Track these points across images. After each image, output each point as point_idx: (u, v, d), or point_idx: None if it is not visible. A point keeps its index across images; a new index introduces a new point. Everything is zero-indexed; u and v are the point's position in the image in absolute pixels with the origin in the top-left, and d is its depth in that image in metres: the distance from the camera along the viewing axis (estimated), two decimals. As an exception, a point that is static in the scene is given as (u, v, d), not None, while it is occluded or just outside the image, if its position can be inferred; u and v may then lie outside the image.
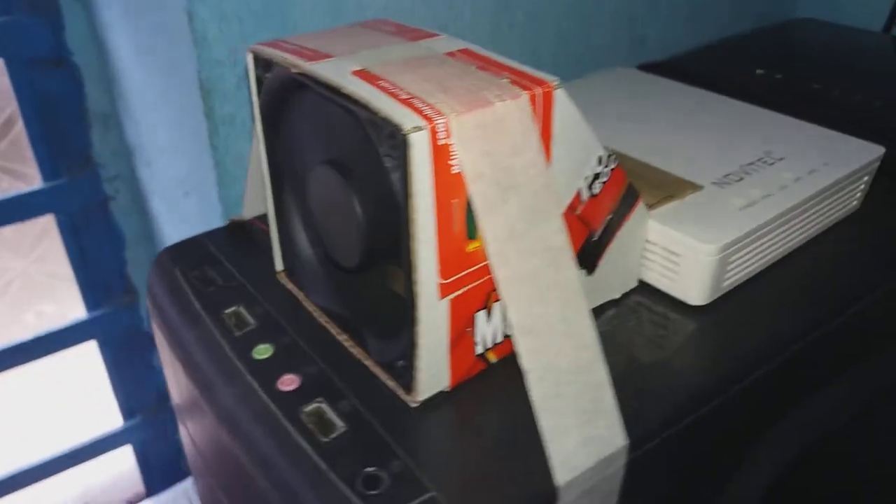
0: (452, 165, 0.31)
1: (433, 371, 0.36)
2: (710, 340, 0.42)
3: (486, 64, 0.36)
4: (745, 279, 0.45)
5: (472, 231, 0.34)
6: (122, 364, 0.93)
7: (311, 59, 0.36)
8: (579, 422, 0.34)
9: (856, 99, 0.60)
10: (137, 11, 0.62)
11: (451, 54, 0.37)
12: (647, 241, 0.44)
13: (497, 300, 0.37)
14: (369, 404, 0.37)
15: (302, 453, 0.35)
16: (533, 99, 0.33)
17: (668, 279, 0.44)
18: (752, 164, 0.49)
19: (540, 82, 0.34)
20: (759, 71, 0.65)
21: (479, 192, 0.31)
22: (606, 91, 0.62)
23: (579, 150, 0.36)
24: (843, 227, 0.51)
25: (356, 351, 0.41)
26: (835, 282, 0.47)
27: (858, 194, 0.51)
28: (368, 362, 0.40)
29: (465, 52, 0.37)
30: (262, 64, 0.39)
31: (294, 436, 0.36)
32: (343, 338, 0.42)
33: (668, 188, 0.46)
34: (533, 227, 0.33)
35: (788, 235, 0.46)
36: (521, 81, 0.34)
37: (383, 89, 0.32)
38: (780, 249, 0.47)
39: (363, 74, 0.34)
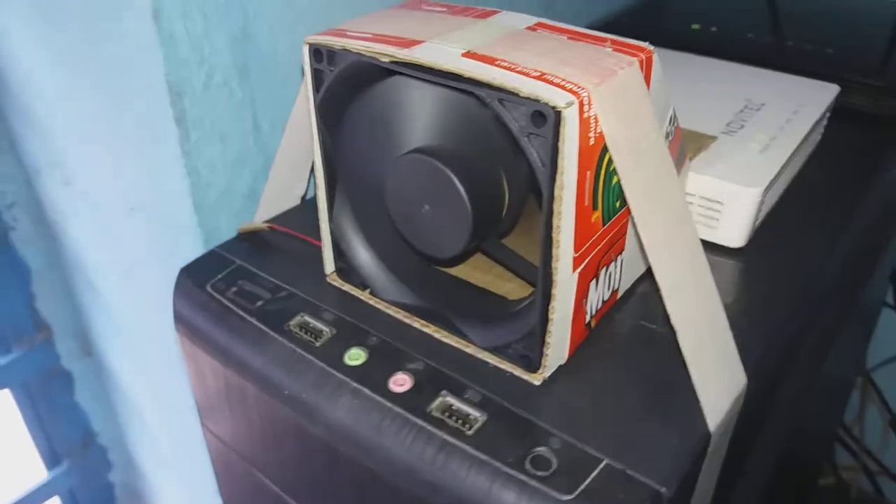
0: (590, 138, 0.32)
1: (559, 346, 0.37)
2: (761, 277, 0.45)
3: (573, 35, 0.36)
4: (764, 215, 0.49)
5: (595, 202, 0.34)
6: (42, 408, 0.84)
7: (402, 45, 0.34)
8: (717, 368, 0.36)
9: (789, 45, 0.67)
10: (66, 19, 0.56)
11: (531, 28, 0.37)
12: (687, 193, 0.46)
13: (605, 266, 0.38)
14: (494, 390, 0.37)
15: (456, 449, 0.34)
16: (641, 64, 0.34)
17: (707, 227, 0.47)
18: (742, 112, 0.53)
19: (639, 48, 0.35)
20: (694, 26, 0.69)
21: (620, 161, 0.32)
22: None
23: (663, 109, 0.38)
24: (814, 159, 0.57)
25: (451, 340, 0.40)
26: (838, 204, 0.52)
27: (822, 130, 0.57)
28: (470, 349, 0.39)
29: (541, 24, 0.37)
30: (325, 56, 0.37)
31: (437, 434, 0.35)
32: (431, 329, 0.41)
33: (691, 141, 0.48)
34: (663, 189, 0.34)
35: (793, 171, 0.51)
36: (623, 49, 0.34)
37: (509, 69, 0.32)
38: (786, 184, 0.51)
39: (475, 56, 0.33)
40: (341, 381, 0.38)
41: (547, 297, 0.35)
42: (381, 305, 0.43)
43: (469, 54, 0.33)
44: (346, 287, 0.44)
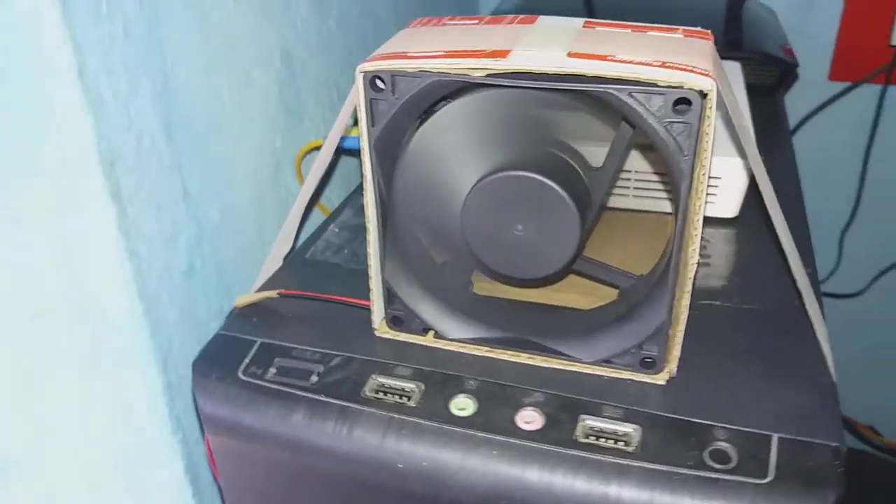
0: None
1: (680, 341, 0.36)
2: (757, 240, 0.48)
3: (634, 28, 0.36)
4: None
5: (700, 185, 0.34)
6: None
7: (488, 57, 0.32)
8: (821, 322, 0.37)
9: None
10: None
11: (588, 27, 0.36)
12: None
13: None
14: (627, 401, 0.35)
15: (629, 469, 0.32)
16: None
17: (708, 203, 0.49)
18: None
19: (702, 33, 0.35)
20: None
21: (742, 133, 0.32)
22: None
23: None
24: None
25: (553, 363, 0.38)
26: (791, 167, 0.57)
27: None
28: (576, 367, 0.37)
29: (589, 22, 0.36)
30: (389, 84, 0.33)
31: (602, 459, 0.33)
32: (524, 357, 0.38)
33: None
34: (758, 157, 0.35)
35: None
36: (693, 34, 0.35)
37: (628, 62, 0.31)
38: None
39: (582, 55, 0.31)
40: (465, 435, 0.34)
41: (674, 293, 0.34)
42: (452, 346, 0.39)
43: (574, 54, 0.31)
44: (403, 336, 0.40)
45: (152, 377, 0.51)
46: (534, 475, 0.33)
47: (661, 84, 0.30)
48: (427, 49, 0.33)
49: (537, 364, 0.38)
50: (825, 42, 0.95)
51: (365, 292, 0.43)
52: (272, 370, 0.38)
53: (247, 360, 0.39)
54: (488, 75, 0.31)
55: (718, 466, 0.32)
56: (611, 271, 0.38)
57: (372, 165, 0.35)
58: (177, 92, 0.49)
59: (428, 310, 0.39)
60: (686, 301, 0.34)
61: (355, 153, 0.73)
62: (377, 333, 0.40)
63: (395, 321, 0.40)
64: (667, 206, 0.48)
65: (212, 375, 0.38)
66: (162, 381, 0.51)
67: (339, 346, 0.39)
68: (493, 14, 0.84)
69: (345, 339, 0.40)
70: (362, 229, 0.51)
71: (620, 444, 0.33)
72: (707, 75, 0.30)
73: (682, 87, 0.29)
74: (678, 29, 0.35)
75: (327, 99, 0.70)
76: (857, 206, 1.01)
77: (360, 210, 0.53)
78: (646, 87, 0.30)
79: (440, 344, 0.39)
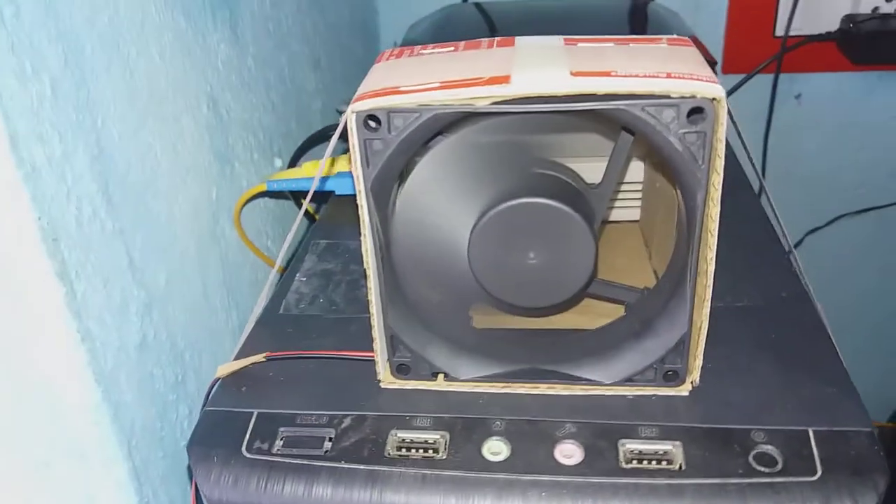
0: (716, 127, 0.31)
1: (702, 350, 0.36)
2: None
3: (617, 41, 0.35)
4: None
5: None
6: None
7: (486, 84, 0.30)
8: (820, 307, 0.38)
9: None
10: None
11: (570, 43, 0.35)
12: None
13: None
14: (658, 418, 0.35)
15: (680, 487, 0.31)
16: (695, 53, 0.35)
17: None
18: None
19: (682, 40, 0.35)
20: None
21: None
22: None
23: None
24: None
25: (573, 391, 0.36)
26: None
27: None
28: (598, 390, 0.36)
29: (568, 39, 0.36)
30: (385, 122, 0.31)
31: (652, 482, 0.32)
32: (543, 388, 0.37)
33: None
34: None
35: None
36: (674, 42, 0.35)
37: (636, 76, 0.30)
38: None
39: (586, 73, 0.31)
40: (508, 481, 0.32)
41: (697, 305, 0.34)
42: (465, 387, 0.37)
43: (578, 73, 0.31)
44: (411, 384, 0.38)
45: (116, 465, 0.47)
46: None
47: (674, 95, 0.29)
48: (419, 82, 0.31)
49: (558, 393, 0.37)
50: (716, 38, 1.00)
51: (355, 342, 0.40)
52: (279, 442, 0.35)
53: (248, 436, 0.36)
54: (494, 103, 0.30)
55: (767, 470, 0.32)
56: (617, 288, 0.37)
57: (369, 209, 0.33)
58: (111, 151, 0.45)
59: (435, 352, 0.37)
60: (706, 309, 0.34)
61: (285, 195, 0.70)
62: (383, 385, 0.38)
63: (401, 369, 0.37)
64: (630, 215, 0.48)
65: (213, 458, 0.35)
66: (127, 467, 0.47)
67: (346, 405, 0.37)
68: (403, 43, 0.83)
69: (349, 396, 0.37)
70: (333, 275, 0.49)
71: (665, 464, 0.33)
72: (714, 82, 0.30)
73: (694, 97, 0.29)
74: (661, 39, 0.35)
75: (254, 140, 0.66)
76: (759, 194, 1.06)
77: (323, 255, 0.51)
78: (658, 99, 0.29)
79: (453, 386, 0.37)
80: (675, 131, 0.30)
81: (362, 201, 0.33)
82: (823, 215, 1.07)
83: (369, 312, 0.36)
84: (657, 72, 0.30)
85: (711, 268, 0.33)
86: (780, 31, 0.97)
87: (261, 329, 0.43)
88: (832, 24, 0.94)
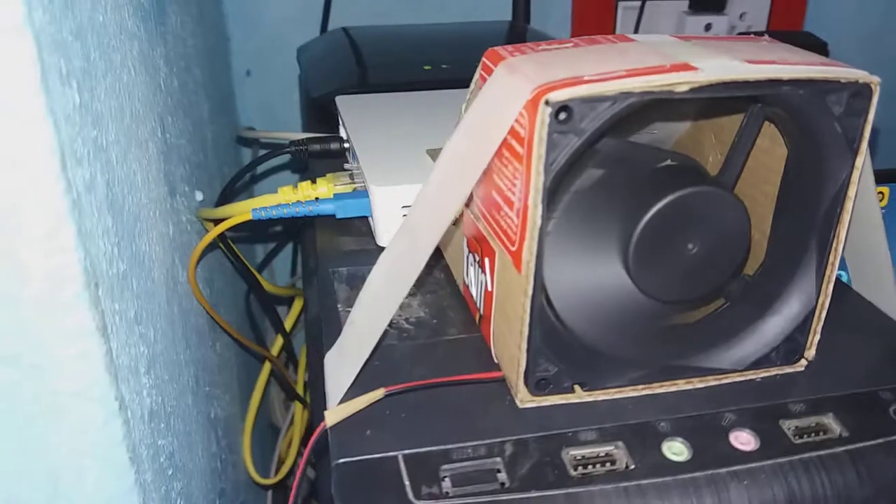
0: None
1: (821, 326, 0.38)
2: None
3: (727, 39, 0.37)
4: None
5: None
6: None
7: (669, 72, 0.30)
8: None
9: None
10: None
11: (685, 38, 0.36)
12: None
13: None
14: (796, 394, 0.36)
15: (862, 451, 0.33)
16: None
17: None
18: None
19: (772, 40, 0.38)
20: (426, 67, 0.70)
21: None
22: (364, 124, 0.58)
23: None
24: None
25: (708, 382, 0.37)
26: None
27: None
28: (729, 379, 0.37)
29: (682, 37, 0.36)
30: (575, 115, 0.29)
31: (835, 452, 0.33)
32: (681, 384, 0.36)
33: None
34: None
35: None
36: (771, 41, 0.37)
37: (802, 63, 0.32)
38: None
39: (755, 62, 0.31)
40: (708, 477, 0.32)
41: (826, 280, 0.36)
42: (606, 395, 0.36)
43: (750, 61, 0.31)
44: (550, 400, 0.35)
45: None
46: (798, 485, 0.32)
47: (842, 80, 0.31)
48: (598, 72, 0.30)
49: (695, 387, 0.37)
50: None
51: (452, 366, 0.37)
52: (446, 482, 0.31)
53: (407, 482, 0.31)
54: (692, 89, 0.30)
55: (917, 423, 0.34)
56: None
57: (542, 212, 0.31)
58: (113, 177, 0.38)
59: (576, 364, 0.35)
60: (831, 286, 0.36)
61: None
62: (522, 404, 0.35)
63: (540, 385, 0.35)
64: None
65: (380, 513, 0.30)
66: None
67: (492, 432, 0.33)
68: (303, 69, 0.79)
69: (489, 422, 0.34)
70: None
71: (828, 434, 0.34)
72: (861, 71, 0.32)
73: (856, 82, 0.31)
74: (753, 36, 0.37)
75: (184, 170, 0.58)
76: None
77: (353, 283, 0.46)
78: (831, 84, 0.31)
79: (594, 396, 0.36)
80: (836, 114, 0.32)
81: (535, 203, 0.30)
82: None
83: (511, 329, 0.33)
84: (809, 60, 0.32)
85: (841, 245, 0.35)
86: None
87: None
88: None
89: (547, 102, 0.29)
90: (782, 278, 0.37)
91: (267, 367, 0.75)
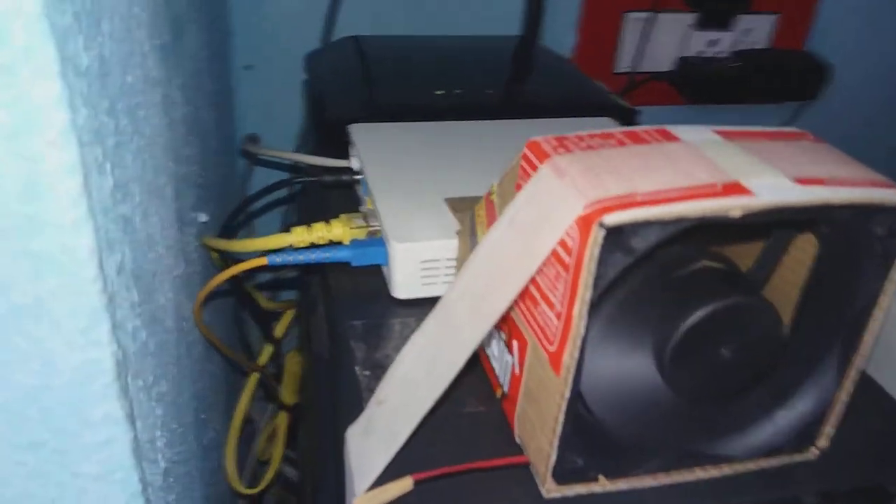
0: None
1: (839, 418, 0.38)
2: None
3: (770, 136, 0.36)
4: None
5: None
6: None
7: (720, 195, 0.30)
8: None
9: (526, 90, 0.72)
10: None
11: (726, 137, 0.36)
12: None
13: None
14: (808, 489, 0.37)
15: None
16: (824, 147, 0.37)
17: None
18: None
19: (803, 133, 0.38)
20: (438, 92, 0.69)
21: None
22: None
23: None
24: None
25: (720, 471, 0.37)
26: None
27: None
28: (743, 466, 0.38)
29: (722, 132, 0.36)
30: (627, 238, 0.29)
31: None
32: (698, 472, 0.37)
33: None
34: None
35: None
36: (814, 141, 0.37)
37: (850, 183, 0.32)
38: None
39: (806, 181, 0.31)
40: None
41: (844, 377, 0.37)
42: (630, 484, 0.36)
43: (800, 180, 0.31)
44: (575, 489, 0.36)
45: None
46: None
47: (890, 205, 0.31)
48: (650, 189, 0.30)
49: (710, 475, 0.37)
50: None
51: (488, 442, 0.38)
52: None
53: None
54: (746, 215, 0.30)
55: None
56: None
57: (586, 322, 0.31)
58: (132, 227, 0.37)
59: (599, 455, 0.36)
60: (852, 387, 0.37)
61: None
62: (548, 494, 0.35)
63: (567, 476, 0.35)
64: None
65: None
66: None
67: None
68: (309, 76, 0.76)
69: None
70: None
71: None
72: (901, 188, 0.32)
73: (903, 205, 0.32)
74: (797, 134, 0.37)
75: (192, 196, 0.57)
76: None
77: (369, 339, 0.45)
78: (877, 209, 0.31)
79: (618, 485, 0.36)
80: (879, 234, 0.32)
81: (581, 314, 0.30)
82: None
83: (540, 421, 0.34)
84: (856, 178, 0.32)
85: (868, 349, 0.36)
86: (619, 69, 1.06)
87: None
88: (666, 65, 1.06)
89: (601, 224, 0.28)
90: (802, 372, 0.37)
91: (253, 378, 0.75)
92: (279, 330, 0.81)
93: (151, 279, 0.39)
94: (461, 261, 0.44)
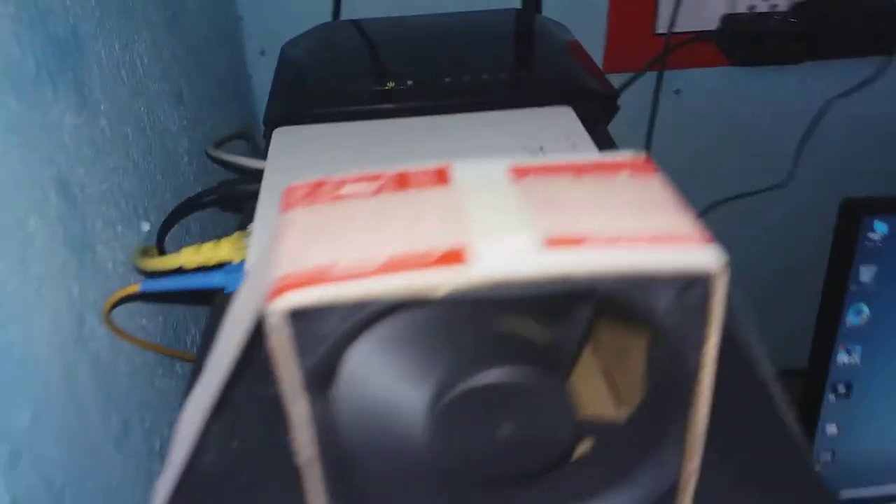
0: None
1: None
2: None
3: (573, 170, 0.30)
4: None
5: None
6: None
7: (440, 263, 0.25)
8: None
9: (485, 78, 0.66)
10: None
11: (517, 175, 0.30)
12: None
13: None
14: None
15: None
16: (662, 179, 0.30)
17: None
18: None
19: (642, 165, 0.31)
20: (389, 84, 0.64)
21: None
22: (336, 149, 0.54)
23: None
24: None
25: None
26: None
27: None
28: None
29: (518, 170, 0.30)
30: (315, 318, 0.25)
31: None
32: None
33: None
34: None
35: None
36: (635, 170, 0.30)
37: (609, 243, 0.25)
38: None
39: (559, 242, 0.25)
40: None
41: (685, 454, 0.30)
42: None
43: (551, 242, 0.25)
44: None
45: None
46: None
47: (664, 275, 0.25)
48: (353, 256, 0.25)
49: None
50: (598, 37, 0.98)
51: None
52: None
53: None
54: (454, 292, 0.24)
55: None
56: (595, 427, 0.33)
57: (308, 409, 0.27)
58: None
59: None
60: (696, 463, 0.31)
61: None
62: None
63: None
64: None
65: None
66: None
67: None
68: (280, 65, 0.74)
69: None
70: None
71: None
72: (709, 241, 0.25)
73: (686, 272, 0.25)
74: (620, 164, 0.30)
75: (115, 212, 0.56)
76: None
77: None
78: (646, 279, 0.25)
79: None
80: (663, 309, 0.25)
81: (300, 407, 0.26)
82: (700, 202, 1.09)
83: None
84: (637, 232, 0.26)
85: (703, 426, 0.29)
86: (660, 30, 0.96)
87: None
88: (711, 24, 0.94)
89: (275, 306, 0.24)
90: (642, 444, 0.31)
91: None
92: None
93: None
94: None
